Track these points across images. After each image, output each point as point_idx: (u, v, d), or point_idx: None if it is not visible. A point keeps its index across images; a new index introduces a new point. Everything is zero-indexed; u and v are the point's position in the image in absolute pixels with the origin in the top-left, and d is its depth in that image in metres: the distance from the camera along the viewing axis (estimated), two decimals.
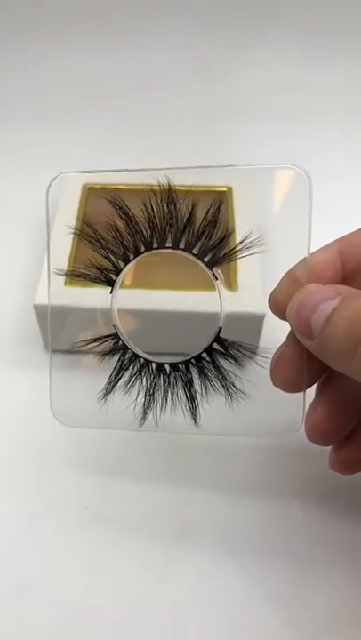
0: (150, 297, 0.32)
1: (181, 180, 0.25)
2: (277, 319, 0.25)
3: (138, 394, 0.28)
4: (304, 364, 0.25)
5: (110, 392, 0.28)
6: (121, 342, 0.27)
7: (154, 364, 0.27)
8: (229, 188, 0.39)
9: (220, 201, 0.25)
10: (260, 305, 0.32)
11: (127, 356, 0.28)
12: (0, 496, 0.31)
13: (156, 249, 0.26)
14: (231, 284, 0.33)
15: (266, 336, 0.31)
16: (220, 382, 0.27)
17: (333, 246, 0.25)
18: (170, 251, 0.26)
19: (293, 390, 0.26)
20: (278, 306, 0.25)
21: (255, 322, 0.32)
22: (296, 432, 0.26)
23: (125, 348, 0.28)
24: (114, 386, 0.28)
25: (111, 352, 0.28)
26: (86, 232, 0.27)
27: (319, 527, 0.30)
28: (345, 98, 0.60)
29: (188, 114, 0.56)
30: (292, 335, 0.25)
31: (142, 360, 0.27)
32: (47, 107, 0.59)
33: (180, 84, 0.59)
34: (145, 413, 0.28)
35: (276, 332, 0.26)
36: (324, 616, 0.27)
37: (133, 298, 0.28)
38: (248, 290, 0.33)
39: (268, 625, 0.27)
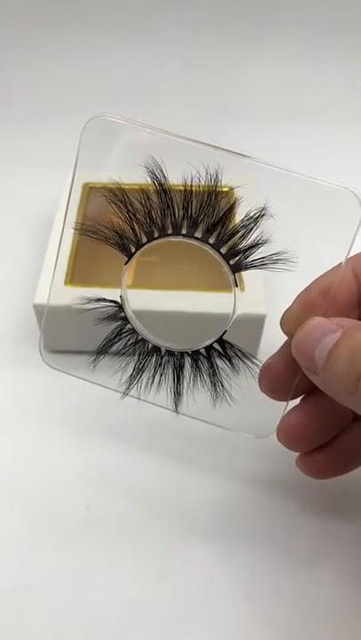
0: (159, 296, 0.31)
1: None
2: (278, 321, 0.25)
3: (128, 364, 0.28)
4: (298, 378, 0.25)
5: (101, 354, 0.28)
6: (123, 313, 0.27)
7: (150, 344, 0.27)
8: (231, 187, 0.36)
9: (263, 207, 0.23)
10: (262, 306, 0.32)
11: (126, 328, 0.27)
12: (0, 496, 0.31)
13: (184, 236, 0.24)
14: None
15: (267, 336, 0.31)
16: (210, 378, 0.27)
17: (348, 265, 0.24)
18: (196, 243, 0.24)
19: (279, 399, 0.26)
20: (290, 331, 0.24)
21: (257, 322, 0.32)
22: (268, 436, 0.27)
23: (126, 320, 0.27)
24: (106, 350, 0.28)
25: (110, 318, 0.27)
26: (116, 194, 0.25)
27: (322, 524, 0.30)
28: (346, 96, 0.60)
29: (189, 111, 0.56)
30: (284, 347, 0.25)
31: (140, 336, 0.27)
32: (46, 105, 0.59)
33: (180, 82, 0.60)
34: (130, 384, 0.28)
35: (278, 332, 0.26)
36: (326, 614, 0.27)
37: (141, 296, 0.27)
38: (251, 290, 0.32)
39: (269, 624, 0.27)
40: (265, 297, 0.32)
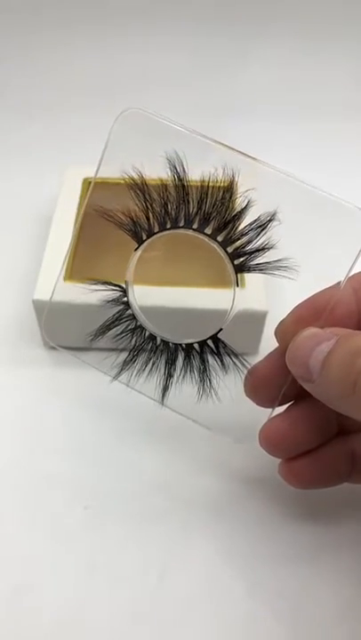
0: (160, 291, 0.31)
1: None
2: (279, 318, 0.25)
3: (123, 349, 0.29)
4: (286, 385, 0.25)
5: (99, 337, 0.29)
6: (126, 299, 0.28)
7: (147, 332, 0.28)
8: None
9: (274, 212, 0.24)
10: (263, 302, 0.32)
11: (126, 313, 0.28)
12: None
13: (194, 230, 0.25)
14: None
15: (268, 333, 0.31)
16: (199, 373, 0.27)
17: (348, 283, 0.24)
18: (205, 238, 0.25)
19: (264, 405, 0.27)
20: (284, 343, 0.24)
21: (258, 319, 0.32)
22: (247, 442, 0.27)
23: (127, 305, 0.28)
24: (104, 333, 0.28)
25: (112, 302, 0.28)
26: (137, 183, 0.26)
27: (323, 523, 0.29)
28: (346, 94, 0.60)
29: (189, 110, 0.54)
30: (272, 353, 0.25)
31: (138, 322, 0.28)
32: (47, 103, 0.59)
33: (180, 80, 0.60)
34: (122, 369, 0.28)
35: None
36: (328, 615, 0.26)
37: (142, 290, 0.28)
38: (252, 287, 0.32)
39: (271, 622, 0.26)
40: (266, 293, 0.32)
